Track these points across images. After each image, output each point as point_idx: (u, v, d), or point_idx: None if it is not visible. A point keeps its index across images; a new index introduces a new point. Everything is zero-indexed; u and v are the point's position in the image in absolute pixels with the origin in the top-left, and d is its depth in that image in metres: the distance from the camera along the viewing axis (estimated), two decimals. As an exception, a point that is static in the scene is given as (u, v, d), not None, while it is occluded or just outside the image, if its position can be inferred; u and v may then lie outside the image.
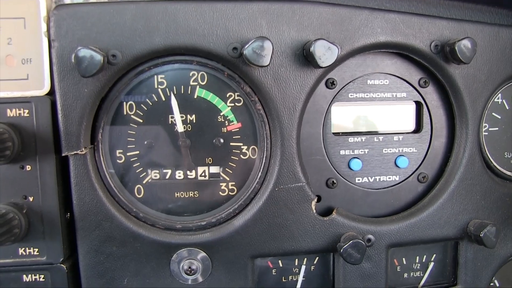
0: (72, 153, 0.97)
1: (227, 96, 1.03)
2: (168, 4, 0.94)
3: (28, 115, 0.99)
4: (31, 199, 1.00)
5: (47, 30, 0.98)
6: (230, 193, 1.06)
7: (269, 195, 1.01)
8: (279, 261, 1.11)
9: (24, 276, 1.02)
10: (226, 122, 1.03)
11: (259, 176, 1.03)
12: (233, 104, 1.03)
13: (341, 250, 1.00)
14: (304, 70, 0.99)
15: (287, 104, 1.00)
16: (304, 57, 0.98)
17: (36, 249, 1.01)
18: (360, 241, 1.00)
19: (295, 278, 1.12)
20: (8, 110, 0.99)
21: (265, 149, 1.02)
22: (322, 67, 0.95)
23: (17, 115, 0.99)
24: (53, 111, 0.98)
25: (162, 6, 0.94)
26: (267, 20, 0.97)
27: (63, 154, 0.97)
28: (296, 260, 1.11)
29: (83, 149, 0.97)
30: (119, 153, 1.03)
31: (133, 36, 0.94)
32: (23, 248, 1.01)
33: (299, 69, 0.99)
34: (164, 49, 0.96)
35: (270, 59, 0.91)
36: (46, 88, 0.99)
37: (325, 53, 0.94)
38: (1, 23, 0.99)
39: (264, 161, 1.02)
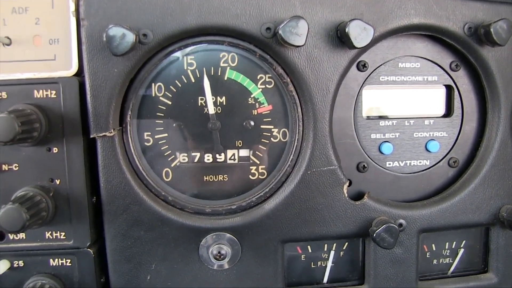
0: (101, 134, 0.94)
1: (258, 78, 1.01)
2: (201, -17, 0.93)
3: (55, 96, 0.96)
4: (58, 182, 0.98)
5: (76, 9, 0.96)
6: (260, 176, 1.04)
7: (301, 178, 0.99)
8: (308, 247, 1.10)
9: (51, 260, 1.00)
10: (257, 104, 1.01)
11: (290, 159, 1.01)
12: (264, 86, 1.01)
13: (374, 235, 0.98)
14: (338, 51, 0.97)
15: (320, 85, 0.98)
16: (338, 38, 0.96)
17: (63, 233, 0.98)
18: (393, 225, 0.98)
19: (324, 264, 1.10)
20: (35, 91, 0.97)
21: (297, 132, 1.00)
22: (357, 48, 0.93)
23: (44, 96, 0.97)
24: (81, 92, 0.96)
25: (195, -15, 0.92)
26: (301, 0, 0.95)
27: (91, 136, 0.95)
28: (325, 245, 1.10)
29: (112, 130, 0.95)
30: (147, 135, 1.00)
31: (165, 15, 0.92)
32: (50, 232, 0.99)
33: (332, 50, 0.97)
34: (196, 29, 0.94)
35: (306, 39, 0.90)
36: (74, 69, 0.97)
37: (360, 33, 0.92)
38: (29, 3, 0.97)
39: (296, 143, 1.00)
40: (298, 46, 0.91)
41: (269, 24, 0.94)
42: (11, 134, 0.88)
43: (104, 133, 0.95)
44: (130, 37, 0.87)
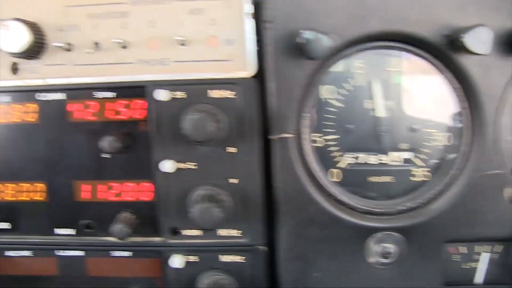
0: (280, 136, 0.97)
1: (424, 83, 1.04)
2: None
3: (234, 96, 0.98)
4: (234, 181, 1.00)
5: (255, 11, 0.97)
6: (423, 178, 1.06)
7: (467, 181, 1.02)
8: (458, 248, 1.13)
9: (220, 256, 1.02)
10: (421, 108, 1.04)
11: (458, 163, 1.03)
12: (430, 91, 1.04)
13: (540, 239, 1.01)
14: (507, 58, 1.00)
15: (490, 92, 1.00)
16: (509, 44, 0.99)
17: (240, 231, 1.01)
18: (558, 230, 1.01)
19: (474, 265, 1.13)
20: (209, 91, 0.99)
21: (466, 136, 1.03)
22: (532, 56, 0.96)
23: (222, 96, 0.99)
24: (259, 93, 0.98)
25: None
26: (477, 8, 0.98)
27: (271, 137, 0.97)
28: (478, 247, 1.12)
29: (291, 132, 0.97)
30: (318, 136, 1.03)
31: (350, 20, 0.94)
32: (225, 230, 1.01)
33: (502, 57, 0.99)
34: (378, 35, 0.96)
35: (491, 47, 0.93)
36: (251, 70, 0.99)
37: (539, 42, 0.95)
38: (205, 5, 0.99)
39: (463, 148, 1.03)
40: (483, 55, 0.93)
41: (446, 31, 0.96)
42: (206, 134, 0.91)
43: (283, 135, 0.97)
44: (327, 41, 0.89)
